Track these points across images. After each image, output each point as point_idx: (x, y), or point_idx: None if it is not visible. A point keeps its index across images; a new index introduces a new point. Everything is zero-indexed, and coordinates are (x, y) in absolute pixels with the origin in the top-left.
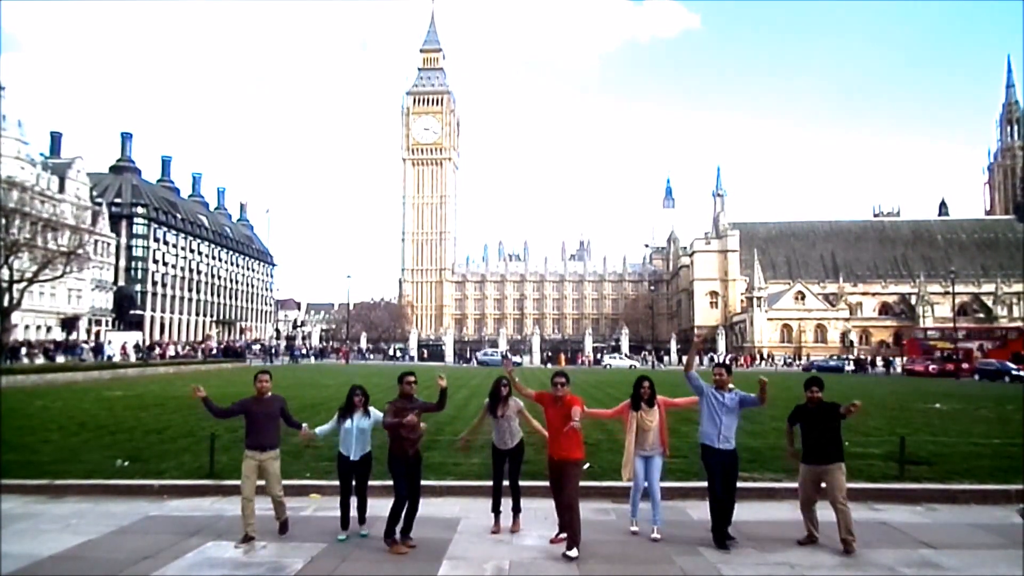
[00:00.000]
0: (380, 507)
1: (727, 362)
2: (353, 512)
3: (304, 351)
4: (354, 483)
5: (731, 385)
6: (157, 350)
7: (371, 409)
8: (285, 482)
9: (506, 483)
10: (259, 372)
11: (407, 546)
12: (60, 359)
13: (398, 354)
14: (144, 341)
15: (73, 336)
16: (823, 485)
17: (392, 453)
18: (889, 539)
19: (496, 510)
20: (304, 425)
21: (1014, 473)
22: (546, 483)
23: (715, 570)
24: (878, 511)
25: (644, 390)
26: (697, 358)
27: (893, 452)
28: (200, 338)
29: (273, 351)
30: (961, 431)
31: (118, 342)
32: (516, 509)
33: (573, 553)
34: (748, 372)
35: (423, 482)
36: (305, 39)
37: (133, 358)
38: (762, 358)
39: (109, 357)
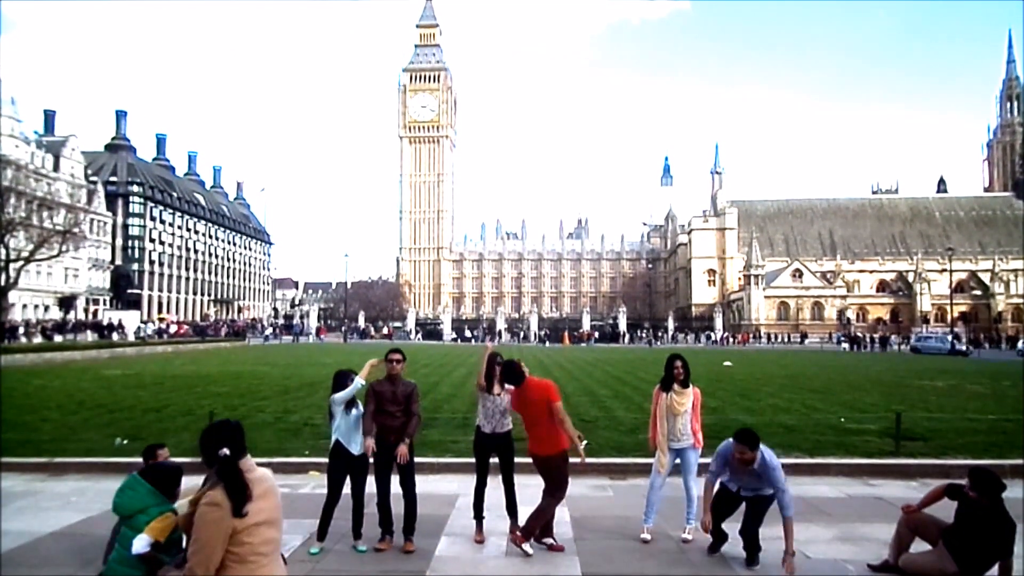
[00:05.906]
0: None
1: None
2: (341, 522)
3: (301, 328)
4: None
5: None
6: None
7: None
8: (285, 460)
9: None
10: None
11: (405, 550)
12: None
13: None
14: (143, 319)
15: (71, 315)
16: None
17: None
18: (884, 514)
19: (478, 516)
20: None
21: (1009, 448)
22: None
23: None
24: (873, 486)
25: (678, 370)
26: (693, 336)
27: (889, 428)
28: (199, 317)
29: (274, 329)
30: (956, 407)
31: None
32: (512, 514)
33: (528, 548)
34: (744, 349)
35: (422, 459)
36: (300, 16)
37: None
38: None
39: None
